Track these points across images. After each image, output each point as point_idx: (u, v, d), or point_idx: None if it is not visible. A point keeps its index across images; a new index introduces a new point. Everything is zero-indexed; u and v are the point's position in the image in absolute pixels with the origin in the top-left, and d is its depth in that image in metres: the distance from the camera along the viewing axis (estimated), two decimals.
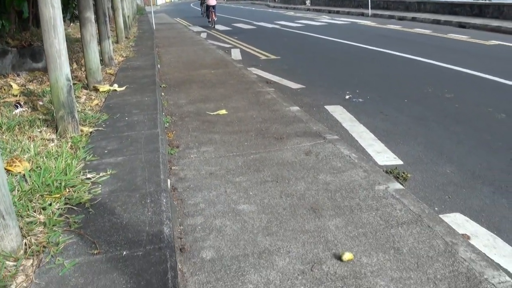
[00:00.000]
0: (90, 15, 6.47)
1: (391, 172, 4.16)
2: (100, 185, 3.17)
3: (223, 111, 5.80)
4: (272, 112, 5.71)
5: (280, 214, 3.21)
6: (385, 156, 4.68)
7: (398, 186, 3.61)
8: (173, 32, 18.88)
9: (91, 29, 6.50)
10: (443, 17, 19.22)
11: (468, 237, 3.21)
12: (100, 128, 4.49)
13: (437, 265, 2.60)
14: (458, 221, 3.45)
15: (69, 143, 3.96)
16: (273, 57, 11.73)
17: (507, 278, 2.49)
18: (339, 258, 2.67)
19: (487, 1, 20.31)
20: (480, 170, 4.34)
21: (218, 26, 22.02)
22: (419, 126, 5.62)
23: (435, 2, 22.25)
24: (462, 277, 2.49)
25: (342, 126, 5.66)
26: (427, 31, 15.91)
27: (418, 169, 4.39)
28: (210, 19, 22.47)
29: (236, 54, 12.39)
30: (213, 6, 22.08)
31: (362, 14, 25.28)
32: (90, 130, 4.44)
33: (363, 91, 7.45)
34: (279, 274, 2.55)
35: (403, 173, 4.16)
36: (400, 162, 4.53)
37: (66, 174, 3.22)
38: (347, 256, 2.66)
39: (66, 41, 4.09)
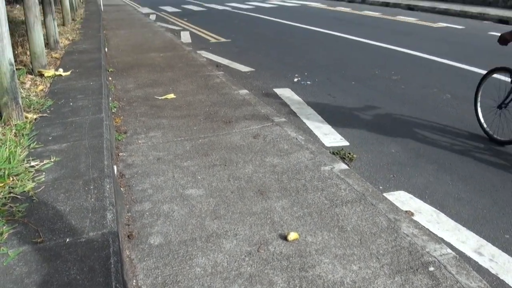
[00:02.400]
0: None
1: (337, 153, 4.25)
2: (44, 173, 3.10)
3: (172, 95, 5.74)
4: (221, 96, 5.70)
5: (227, 197, 3.23)
6: (332, 138, 4.76)
7: (343, 166, 3.69)
8: (122, 14, 18.44)
9: (35, 11, 6.25)
10: (392, 0, 19.53)
11: (412, 214, 3.33)
12: (44, 114, 4.38)
13: (380, 241, 2.69)
14: (402, 199, 3.57)
15: (13, 131, 3.85)
16: (223, 40, 11.66)
17: (448, 250, 2.61)
18: (284, 238, 2.72)
19: None
20: (424, 149, 4.49)
21: (167, 8, 21.72)
22: (365, 108, 5.74)
23: None
24: (404, 252, 2.59)
25: (291, 109, 5.71)
26: (376, 14, 16.16)
27: (364, 149, 4.50)
28: None
29: (185, 37, 12.23)
30: None
31: None
32: (35, 116, 4.33)
33: (311, 74, 7.53)
34: (227, 256, 2.58)
35: (349, 153, 4.26)
36: (347, 143, 4.62)
37: (10, 163, 3.14)
38: (292, 236, 2.72)
39: (11, 23, 3.95)
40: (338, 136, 4.80)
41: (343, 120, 5.31)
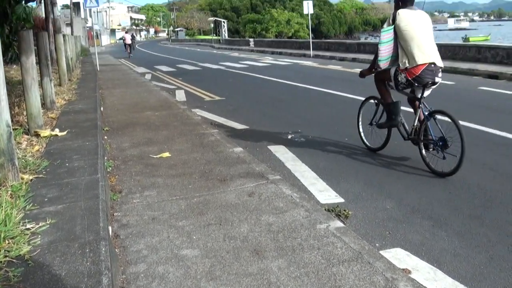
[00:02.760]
0: (32, 58, 6.35)
1: (333, 211, 4.26)
2: (39, 235, 3.08)
3: (167, 154, 5.79)
4: (215, 154, 5.75)
5: (223, 257, 3.21)
6: (326, 195, 4.78)
7: (339, 224, 3.69)
8: (117, 73, 18.80)
9: (33, 73, 6.39)
10: None
11: (409, 272, 3.30)
12: (40, 175, 4.39)
13: None
14: (398, 256, 3.55)
15: (9, 192, 3.84)
16: (217, 98, 11.86)
17: None
18: None
19: None
20: (419, 204, 4.49)
21: (162, 67, 22.25)
22: (359, 164, 5.79)
23: (374, 44, 23.22)
24: None
25: (285, 166, 5.76)
26: None
27: (359, 206, 4.51)
28: (127, 51, 36.18)
29: (180, 96, 12.44)
30: (129, 44, 36.38)
31: (304, 55, 26.08)
32: (31, 177, 4.33)
33: (305, 131, 7.63)
34: None
35: (344, 210, 4.26)
36: (342, 200, 4.64)
37: (6, 225, 3.13)
38: None
39: (8, 84, 4.01)
40: (333, 193, 4.82)
41: (338, 176, 5.35)
